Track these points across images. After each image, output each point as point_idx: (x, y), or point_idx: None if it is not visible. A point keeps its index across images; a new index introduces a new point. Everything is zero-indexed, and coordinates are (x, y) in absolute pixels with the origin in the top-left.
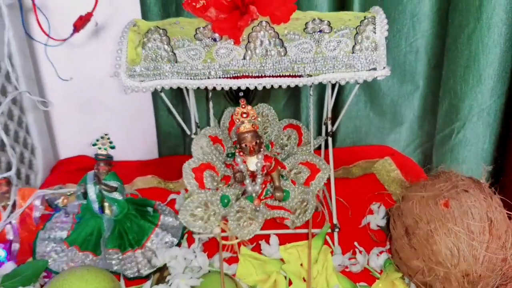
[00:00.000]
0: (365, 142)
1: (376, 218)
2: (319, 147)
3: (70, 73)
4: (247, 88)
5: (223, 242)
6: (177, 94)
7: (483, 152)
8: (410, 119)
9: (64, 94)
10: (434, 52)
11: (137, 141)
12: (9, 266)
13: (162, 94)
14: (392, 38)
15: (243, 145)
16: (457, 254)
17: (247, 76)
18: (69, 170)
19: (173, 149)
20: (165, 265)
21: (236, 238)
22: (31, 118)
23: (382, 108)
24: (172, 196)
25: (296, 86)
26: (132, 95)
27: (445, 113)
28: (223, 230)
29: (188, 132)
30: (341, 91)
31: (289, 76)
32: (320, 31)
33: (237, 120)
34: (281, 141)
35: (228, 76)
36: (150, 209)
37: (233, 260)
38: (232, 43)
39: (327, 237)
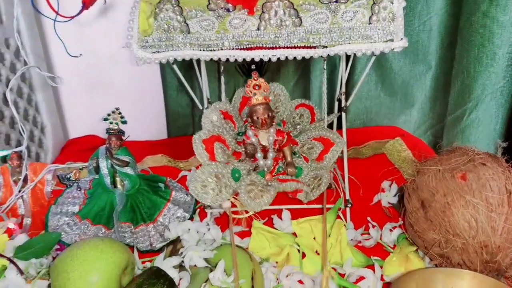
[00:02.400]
0: (375, 123)
1: (388, 196)
2: (330, 126)
3: (79, 51)
4: (260, 61)
5: (233, 215)
6: (187, 72)
7: (495, 133)
8: (421, 100)
9: (73, 72)
10: (448, 31)
11: (146, 122)
12: (22, 238)
13: (174, 66)
14: (404, 16)
15: (255, 117)
16: (475, 226)
17: (261, 48)
18: (79, 149)
19: (182, 130)
20: (178, 237)
21: (246, 212)
22: (41, 96)
23: (393, 88)
24: (183, 173)
25: (307, 65)
26: (141, 75)
27: (457, 93)
28: (233, 205)
29: (200, 107)
30: (352, 70)
31: (303, 47)
32: (336, 1)
33: (249, 92)
34: (293, 120)
35: (242, 47)
36: (161, 185)
37: (246, 234)
38: (246, 13)
39: (340, 214)
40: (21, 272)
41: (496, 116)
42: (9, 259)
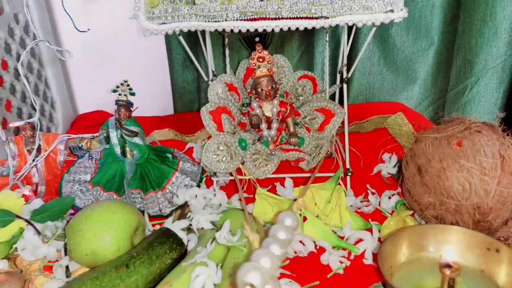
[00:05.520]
0: (378, 99)
1: (387, 167)
2: (333, 98)
3: (86, 26)
4: (264, 34)
5: (239, 177)
6: (192, 49)
7: (495, 108)
8: (423, 76)
9: (81, 48)
10: (451, 6)
11: (153, 98)
12: (38, 203)
13: (180, 37)
14: None
15: (259, 89)
16: (468, 188)
17: (264, 18)
18: (88, 124)
19: (188, 105)
20: (186, 202)
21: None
22: (50, 71)
23: (396, 64)
24: (189, 144)
25: (310, 42)
26: (147, 51)
27: (459, 68)
28: (240, 172)
29: (206, 79)
30: (354, 45)
31: (306, 18)
32: None
33: (253, 65)
34: (296, 91)
35: (246, 18)
36: (169, 155)
37: (250, 200)
38: None
39: (340, 182)
40: (38, 232)
41: (497, 91)
42: (26, 221)
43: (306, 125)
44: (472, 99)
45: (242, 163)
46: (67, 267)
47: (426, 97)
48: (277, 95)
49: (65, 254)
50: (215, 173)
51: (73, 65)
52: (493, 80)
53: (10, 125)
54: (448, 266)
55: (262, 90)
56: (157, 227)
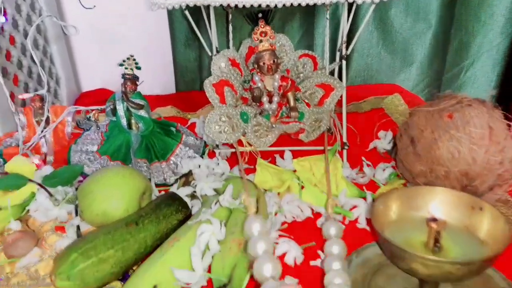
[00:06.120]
0: (376, 80)
1: (383, 143)
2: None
3: (91, 3)
4: (266, 10)
5: (241, 148)
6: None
7: (490, 89)
8: (420, 58)
9: (85, 27)
10: None
11: (155, 76)
12: (48, 169)
13: (186, 12)
14: None
15: (261, 63)
16: (457, 156)
17: None
18: (91, 101)
19: (189, 84)
20: (190, 171)
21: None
22: (55, 48)
23: (393, 46)
24: (192, 120)
25: (311, 23)
26: (150, 30)
27: (455, 51)
28: (241, 143)
29: (210, 53)
30: (354, 26)
31: None
32: None
33: (256, 39)
34: (297, 68)
35: None
36: (173, 129)
37: (251, 171)
38: None
39: (337, 155)
40: (50, 194)
41: (492, 73)
42: (39, 184)
43: (306, 100)
44: (468, 81)
45: (243, 135)
46: (78, 226)
47: (422, 79)
48: (279, 70)
49: (76, 215)
50: (217, 145)
51: (77, 43)
52: (488, 62)
53: (20, 96)
54: (434, 220)
55: (264, 64)
56: (163, 192)
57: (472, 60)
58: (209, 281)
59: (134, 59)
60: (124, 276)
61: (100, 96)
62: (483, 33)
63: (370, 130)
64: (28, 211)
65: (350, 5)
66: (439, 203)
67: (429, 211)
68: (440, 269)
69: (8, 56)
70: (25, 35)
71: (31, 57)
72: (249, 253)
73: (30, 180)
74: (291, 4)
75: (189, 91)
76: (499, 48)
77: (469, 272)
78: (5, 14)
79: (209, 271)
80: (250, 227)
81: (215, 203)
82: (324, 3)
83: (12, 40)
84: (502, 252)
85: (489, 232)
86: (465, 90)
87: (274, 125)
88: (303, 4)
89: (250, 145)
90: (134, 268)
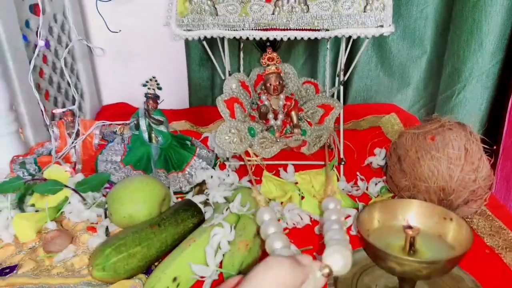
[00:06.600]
0: (374, 100)
1: (377, 159)
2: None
3: (114, 27)
4: (274, 40)
5: (248, 158)
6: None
7: (480, 112)
8: (416, 81)
9: (107, 46)
10: (442, 19)
11: (170, 92)
12: (80, 176)
13: (204, 42)
14: (404, 5)
15: (268, 84)
16: (436, 174)
17: (275, 29)
18: (111, 114)
19: (202, 100)
20: (203, 181)
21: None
22: (81, 66)
23: (391, 69)
24: (205, 134)
25: (314, 47)
26: (167, 50)
27: (448, 75)
28: (248, 155)
29: (223, 77)
30: (353, 53)
31: (310, 30)
32: None
33: (264, 63)
34: (300, 93)
35: (259, 28)
36: (188, 142)
37: (257, 182)
38: (264, 0)
39: (334, 170)
40: (83, 198)
41: (481, 97)
42: (73, 189)
43: (308, 119)
44: (459, 103)
45: (250, 147)
46: (107, 227)
47: (418, 100)
48: (284, 91)
49: (105, 217)
50: (227, 158)
51: (100, 60)
52: (478, 87)
53: (53, 111)
54: (410, 227)
55: (270, 85)
56: (179, 200)
57: (463, 84)
58: (220, 275)
59: (156, 80)
60: (148, 270)
61: (119, 109)
62: (473, 60)
63: (367, 146)
64: (62, 212)
65: (348, 38)
66: (415, 214)
67: (407, 220)
68: (411, 267)
69: (41, 73)
70: (55, 53)
71: (61, 74)
72: (261, 234)
73: (66, 186)
74: (295, 38)
75: (202, 106)
76: (488, 74)
77: (435, 271)
78: (46, 43)
79: (220, 266)
80: (261, 215)
81: (226, 210)
82: (324, 37)
83: (44, 59)
84: (463, 254)
85: (456, 238)
86: (457, 111)
87: (278, 140)
88: (305, 38)
89: (257, 156)
90: (156, 264)
